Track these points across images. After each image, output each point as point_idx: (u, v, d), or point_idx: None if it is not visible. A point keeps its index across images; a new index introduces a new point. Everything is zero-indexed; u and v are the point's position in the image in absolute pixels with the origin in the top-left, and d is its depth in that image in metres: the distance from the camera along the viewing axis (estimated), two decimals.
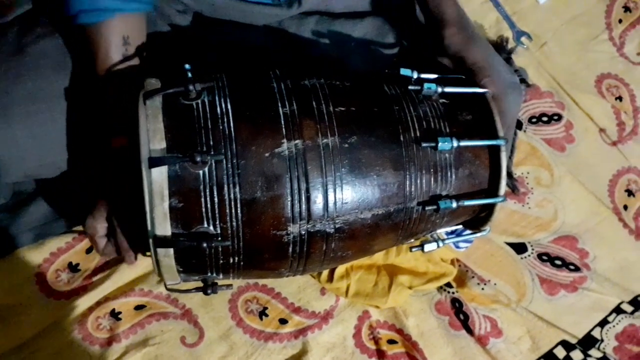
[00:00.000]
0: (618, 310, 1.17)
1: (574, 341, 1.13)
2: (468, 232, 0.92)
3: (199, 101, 0.74)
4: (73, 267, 1.04)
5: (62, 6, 0.83)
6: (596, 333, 1.15)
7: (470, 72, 0.86)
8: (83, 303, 1.02)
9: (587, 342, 1.13)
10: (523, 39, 1.37)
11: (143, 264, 1.04)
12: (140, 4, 0.85)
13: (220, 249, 0.75)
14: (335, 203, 0.75)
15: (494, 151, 0.81)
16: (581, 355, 1.11)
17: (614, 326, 1.15)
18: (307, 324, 1.07)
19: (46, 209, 1.03)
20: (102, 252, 0.87)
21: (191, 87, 0.73)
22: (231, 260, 0.77)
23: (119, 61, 0.84)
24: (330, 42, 1.01)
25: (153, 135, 0.71)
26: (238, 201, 0.72)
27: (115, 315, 1.03)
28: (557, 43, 1.38)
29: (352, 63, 1.00)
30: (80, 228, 1.06)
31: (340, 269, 1.08)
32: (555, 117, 1.32)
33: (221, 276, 0.81)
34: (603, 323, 1.16)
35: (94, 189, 0.84)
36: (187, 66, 0.74)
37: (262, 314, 1.07)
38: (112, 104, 0.84)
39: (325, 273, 1.08)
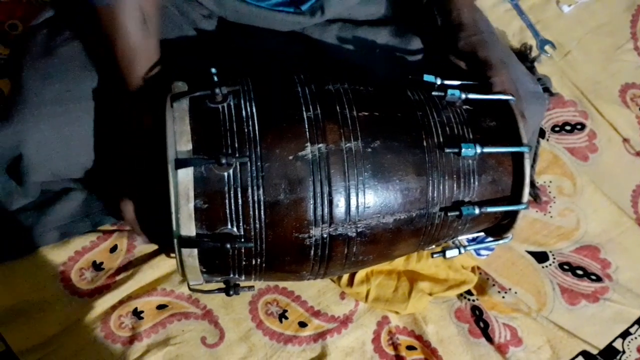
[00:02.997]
0: None
1: (595, 352, 1.12)
2: (490, 239, 0.92)
3: (225, 104, 0.75)
4: (97, 266, 1.06)
5: None
6: (617, 344, 1.14)
7: (481, 69, 0.86)
8: (106, 301, 1.03)
9: (608, 353, 1.13)
10: (547, 47, 1.37)
11: (166, 264, 1.05)
12: None
13: (243, 251, 0.76)
14: (357, 207, 0.76)
15: (518, 158, 0.81)
16: None
17: (636, 338, 1.14)
18: (327, 327, 1.07)
19: (72, 208, 1.05)
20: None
21: (217, 91, 0.74)
22: (253, 262, 0.78)
23: (142, 38, 0.83)
24: (354, 48, 1.02)
25: (180, 137, 0.72)
26: (261, 203, 0.73)
27: (137, 314, 1.04)
28: (581, 52, 1.38)
29: (375, 69, 1.00)
30: (105, 227, 1.08)
31: (361, 274, 1.08)
32: (579, 127, 1.32)
33: (243, 278, 0.82)
34: (625, 334, 1.15)
35: (121, 190, 0.85)
36: (213, 70, 0.75)
37: (282, 316, 1.07)
38: (137, 78, 0.83)
39: (345, 277, 1.08)
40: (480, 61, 0.87)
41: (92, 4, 0.82)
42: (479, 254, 1.13)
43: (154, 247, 1.06)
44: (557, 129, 1.31)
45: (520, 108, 0.85)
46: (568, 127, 1.31)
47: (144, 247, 1.07)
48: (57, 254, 1.05)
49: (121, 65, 0.83)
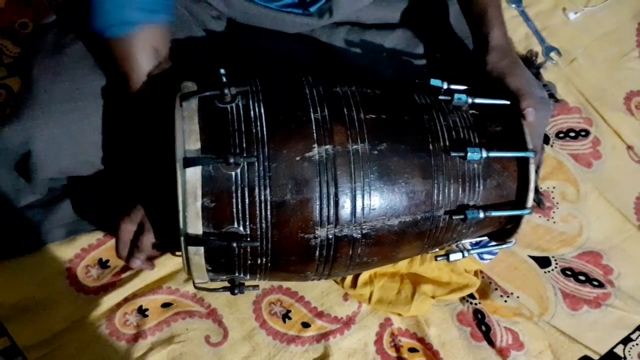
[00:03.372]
0: None
1: (596, 357, 1.12)
2: (493, 243, 0.93)
3: (234, 105, 0.76)
4: (103, 264, 1.07)
5: (89, 23, 0.84)
6: (619, 350, 1.14)
7: (513, 98, 0.85)
8: (111, 299, 1.04)
9: (610, 359, 1.13)
10: (552, 54, 1.37)
11: (171, 262, 1.06)
12: (166, 14, 0.86)
13: (248, 250, 0.76)
14: (363, 209, 0.77)
15: (523, 163, 0.82)
16: None
17: (637, 344, 1.14)
18: (329, 328, 1.08)
19: (79, 206, 1.06)
20: (121, 256, 0.86)
21: (226, 91, 0.75)
22: (259, 261, 0.78)
23: (152, 72, 0.85)
24: (361, 51, 1.03)
25: (188, 136, 0.73)
26: (268, 203, 0.74)
27: (142, 312, 1.05)
28: (586, 59, 1.39)
29: (382, 73, 1.01)
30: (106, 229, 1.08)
31: (364, 276, 1.08)
32: (583, 133, 1.32)
33: (248, 277, 0.83)
34: (626, 341, 1.15)
35: (128, 192, 0.86)
36: (222, 71, 0.76)
37: (286, 316, 1.08)
38: (143, 129, 0.85)
39: (349, 279, 1.08)
40: (512, 90, 0.85)
41: (103, 38, 0.84)
42: (482, 258, 1.13)
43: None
44: (561, 135, 1.31)
45: (518, 83, 0.86)
46: (572, 134, 1.32)
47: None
48: (64, 251, 1.06)
49: (132, 92, 0.85)
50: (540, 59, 1.35)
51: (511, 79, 0.87)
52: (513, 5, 1.41)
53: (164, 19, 0.86)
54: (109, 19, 0.83)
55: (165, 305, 1.06)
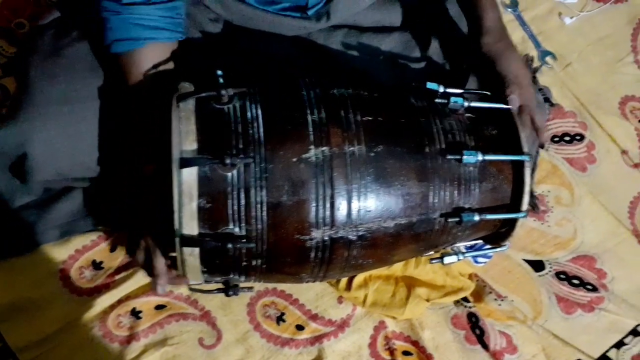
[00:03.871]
0: (635, 332, 1.16)
1: None
2: (488, 247, 0.93)
3: (231, 106, 0.76)
4: (97, 265, 1.07)
5: (101, 38, 0.86)
6: (612, 354, 1.14)
7: (499, 82, 0.86)
8: (105, 300, 1.03)
9: None
10: (548, 58, 1.38)
11: None
12: (171, 32, 0.87)
13: (244, 251, 0.76)
14: (359, 210, 0.77)
15: (518, 167, 0.82)
16: None
17: (630, 348, 1.15)
18: (324, 331, 1.08)
19: (73, 207, 1.05)
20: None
21: (223, 92, 0.75)
22: (254, 263, 0.78)
23: (148, 88, 0.85)
24: (358, 54, 1.03)
25: (185, 137, 0.72)
26: (264, 204, 0.74)
27: (135, 314, 1.04)
28: (582, 64, 1.39)
29: (379, 76, 1.01)
30: (106, 227, 1.08)
31: (359, 278, 1.08)
32: (578, 137, 1.33)
33: (243, 278, 0.82)
34: (619, 345, 1.15)
35: (134, 218, 0.86)
36: (219, 72, 0.76)
37: (280, 319, 1.08)
38: (142, 131, 0.85)
39: (343, 281, 1.08)
40: (500, 74, 0.87)
41: (109, 52, 0.85)
42: (476, 262, 1.14)
43: None
44: (556, 139, 1.32)
45: (541, 124, 0.86)
46: (567, 138, 1.32)
47: None
48: (58, 252, 1.06)
49: (129, 106, 0.86)
50: (535, 63, 1.35)
51: (502, 62, 0.88)
52: (509, 10, 1.42)
53: (169, 37, 0.87)
54: (114, 35, 0.84)
55: (159, 307, 1.05)
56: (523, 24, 1.41)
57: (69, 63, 0.91)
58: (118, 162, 0.90)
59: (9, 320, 1.00)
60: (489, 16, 0.92)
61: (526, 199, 0.83)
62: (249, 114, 0.75)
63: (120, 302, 1.04)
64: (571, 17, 1.43)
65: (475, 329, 1.12)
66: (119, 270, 1.06)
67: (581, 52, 1.40)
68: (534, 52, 1.37)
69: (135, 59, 0.84)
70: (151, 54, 0.85)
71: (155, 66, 0.85)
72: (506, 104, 0.85)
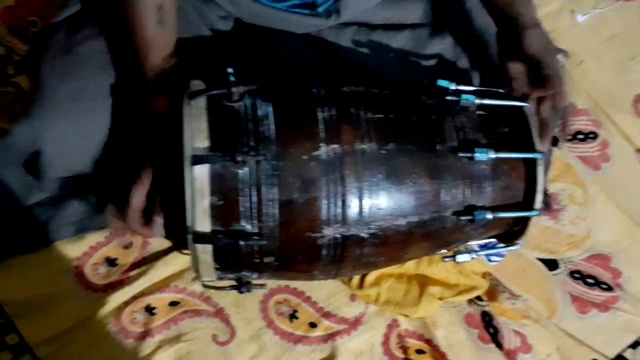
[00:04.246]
0: None
1: None
2: (501, 245, 0.93)
3: (242, 103, 0.76)
4: (111, 262, 1.07)
5: None
6: (628, 354, 1.13)
7: (545, 79, 0.84)
8: (119, 297, 1.04)
9: None
10: (560, 56, 1.37)
11: (179, 261, 1.06)
12: None
13: (256, 248, 0.76)
14: (370, 208, 0.77)
15: (531, 164, 0.82)
16: None
17: None
18: (336, 329, 1.08)
19: (88, 204, 1.06)
20: (135, 227, 0.84)
21: (234, 90, 0.75)
22: (266, 260, 0.78)
23: (156, 28, 0.85)
24: (369, 52, 1.03)
25: (197, 134, 0.73)
26: (275, 202, 0.74)
27: (149, 310, 1.05)
28: (595, 62, 1.38)
29: (390, 73, 1.01)
30: None
31: (371, 276, 1.08)
32: (591, 135, 1.32)
33: (255, 276, 0.83)
34: (635, 345, 1.14)
35: (139, 158, 0.84)
36: (229, 70, 0.76)
37: (293, 316, 1.08)
38: (152, 69, 0.85)
39: (356, 279, 1.09)
40: (545, 70, 0.85)
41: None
42: (489, 260, 1.13)
43: (168, 243, 1.07)
44: (569, 137, 1.31)
45: (556, 67, 0.85)
46: (581, 136, 1.31)
47: (158, 243, 1.08)
48: (72, 249, 1.06)
49: (138, 55, 0.85)
50: None
51: (547, 59, 0.86)
52: None
53: None
54: None
55: (173, 303, 1.06)
56: None
57: (80, 61, 0.91)
58: (126, 159, 0.91)
59: (24, 316, 1.01)
60: (527, 12, 0.89)
61: (539, 197, 0.82)
62: (259, 112, 0.76)
63: (134, 298, 1.05)
64: (584, 15, 1.43)
65: (489, 327, 1.12)
66: (133, 266, 1.07)
67: (594, 50, 1.39)
68: None
69: (138, 8, 0.84)
70: (155, 5, 0.84)
71: (158, 7, 0.85)
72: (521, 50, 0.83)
